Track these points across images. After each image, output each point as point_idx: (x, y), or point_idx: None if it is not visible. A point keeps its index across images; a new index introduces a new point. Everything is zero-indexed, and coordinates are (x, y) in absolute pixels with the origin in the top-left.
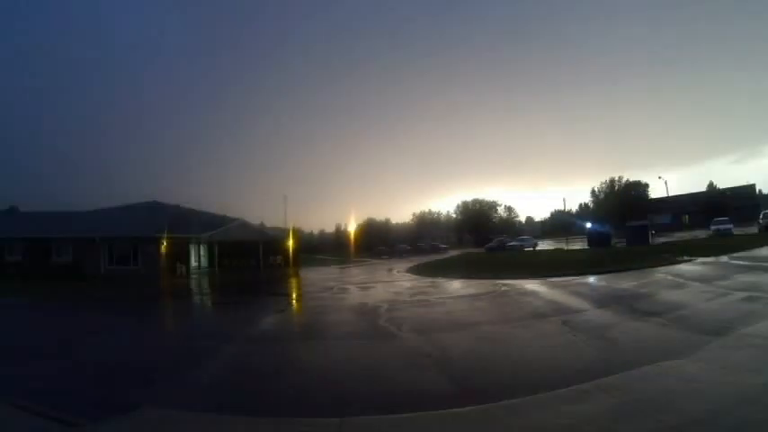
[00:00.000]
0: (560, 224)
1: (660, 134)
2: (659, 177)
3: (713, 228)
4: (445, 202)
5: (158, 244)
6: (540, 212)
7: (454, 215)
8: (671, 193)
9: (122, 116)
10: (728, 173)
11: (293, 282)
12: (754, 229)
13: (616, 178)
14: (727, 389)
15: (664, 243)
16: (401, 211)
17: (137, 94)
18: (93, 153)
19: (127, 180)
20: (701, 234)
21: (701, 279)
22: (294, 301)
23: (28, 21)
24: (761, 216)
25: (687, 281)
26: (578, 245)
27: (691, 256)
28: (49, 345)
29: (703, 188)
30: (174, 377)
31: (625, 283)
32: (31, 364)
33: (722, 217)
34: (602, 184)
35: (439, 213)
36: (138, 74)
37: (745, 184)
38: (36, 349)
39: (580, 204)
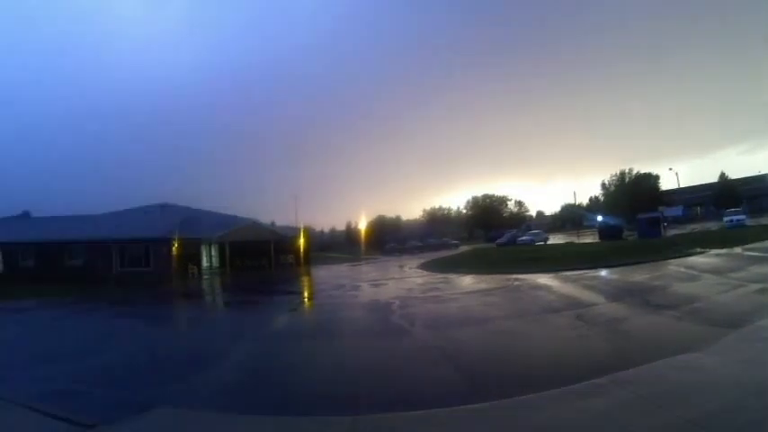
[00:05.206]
0: (571, 218)
1: (669, 125)
2: (670, 169)
3: (726, 219)
4: (455, 198)
5: (170, 245)
6: (551, 206)
7: (464, 211)
8: (682, 185)
9: (131, 118)
10: (739, 163)
11: (305, 280)
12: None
13: (626, 170)
14: (744, 382)
15: (676, 235)
16: (411, 208)
17: (145, 95)
18: (103, 156)
19: (137, 182)
20: (713, 226)
21: (715, 271)
22: (307, 300)
23: (36, 25)
24: None
25: (700, 273)
26: (590, 238)
27: (703, 247)
28: (79, 346)
29: (715, 179)
30: (197, 374)
31: (638, 276)
32: (59, 363)
33: (735, 208)
34: (612, 176)
35: (449, 209)
36: (147, 75)
37: (757, 174)
38: (69, 350)
39: (590, 197)
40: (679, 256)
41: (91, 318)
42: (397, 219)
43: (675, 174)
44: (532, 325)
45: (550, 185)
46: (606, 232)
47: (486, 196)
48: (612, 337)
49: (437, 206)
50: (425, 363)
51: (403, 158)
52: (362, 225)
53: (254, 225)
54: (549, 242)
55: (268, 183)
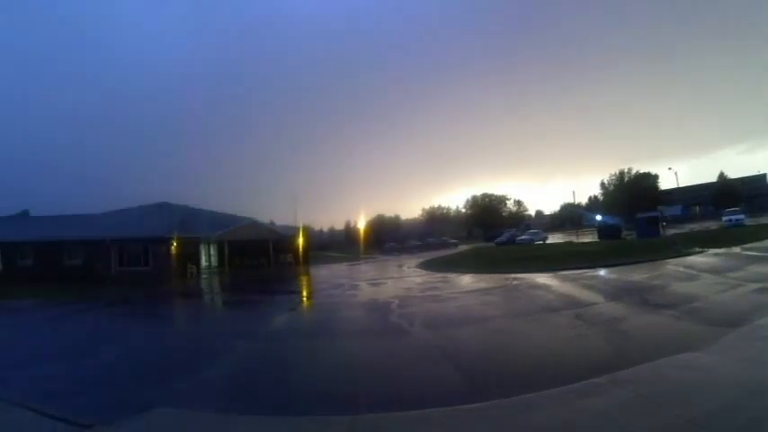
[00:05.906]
0: (570, 217)
1: (669, 125)
2: (669, 168)
3: (725, 219)
4: (455, 198)
5: (168, 244)
6: (550, 206)
7: (464, 210)
8: (681, 184)
9: (130, 117)
10: (739, 163)
11: (304, 280)
12: (766, 220)
13: (626, 170)
14: (744, 381)
15: (675, 234)
16: (411, 208)
17: (144, 94)
18: (101, 155)
19: (136, 182)
20: (712, 225)
21: (714, 270)
22: (306, 299)
23: (34, 24)
24: None
25: (699, 272)
26: (588, 237)
27: (702, 247)
28: (77, 346)
29: (714, 179)
30: (196, 373)
31: (636, 275)
32: (56, 363)
33: (734, 207)
34: (611, 176)
35: (448, 209)
36: (146, 75)
37: (756, 173)
38: (67, 350)
39: (590, 197)
40: (678, 256)
41: (90, 318)
42: (397, 218)
43: (675, 173)
44: (532, 324)
45: (550, 185)
46: (605, 231)
47: (485, 195)
48: (612, 337)
49: (436, 205)
50: (425, 362)
51: (403, 158)
52: (361, 224)
53: (253, 224)
54: (547, 241)
55: (267, 182)
